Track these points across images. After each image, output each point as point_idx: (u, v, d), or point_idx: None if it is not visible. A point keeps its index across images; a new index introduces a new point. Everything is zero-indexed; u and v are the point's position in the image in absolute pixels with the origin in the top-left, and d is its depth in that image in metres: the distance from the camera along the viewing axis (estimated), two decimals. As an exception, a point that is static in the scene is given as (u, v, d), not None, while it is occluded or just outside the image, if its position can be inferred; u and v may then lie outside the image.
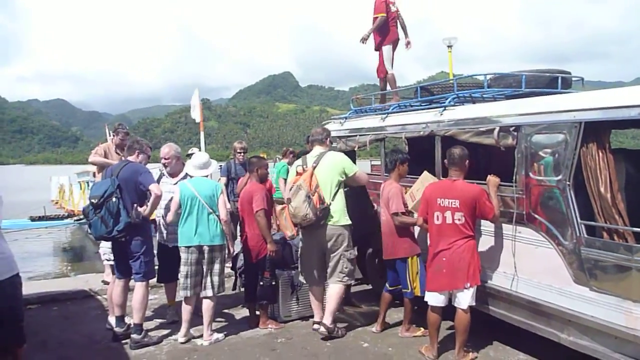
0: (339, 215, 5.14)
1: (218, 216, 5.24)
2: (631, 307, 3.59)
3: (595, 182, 3.82)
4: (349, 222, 5.20)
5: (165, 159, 5.77)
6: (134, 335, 5.13)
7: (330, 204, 5.09)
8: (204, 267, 5.23)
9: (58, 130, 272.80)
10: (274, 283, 5.51)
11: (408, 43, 7.71)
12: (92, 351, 5.09)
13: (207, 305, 5.25)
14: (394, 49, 7.58)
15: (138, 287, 5.20)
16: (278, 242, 5.65)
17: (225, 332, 5.45)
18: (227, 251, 5.42)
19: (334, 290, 5.25)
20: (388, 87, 7.59)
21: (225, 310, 6.26)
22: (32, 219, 19.51)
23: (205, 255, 5.20)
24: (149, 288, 5.41)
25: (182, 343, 5.20)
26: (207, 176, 5.58)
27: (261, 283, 5.47)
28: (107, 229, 4.94)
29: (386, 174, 5.76)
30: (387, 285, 5.43)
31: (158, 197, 5.08)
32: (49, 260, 16.31)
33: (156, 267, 5.60)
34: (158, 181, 5.62)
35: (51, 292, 6.90)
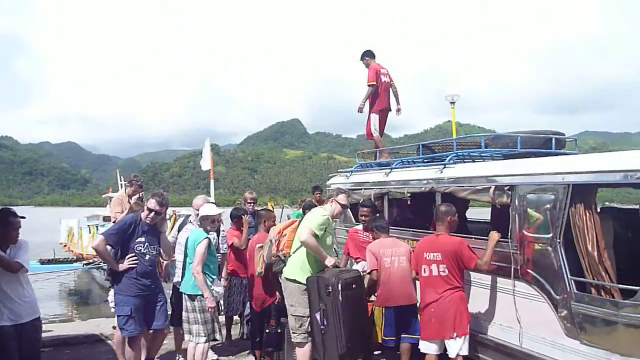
0: (291, 269, 5.19)
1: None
2: (619, 361, 3.80)
3: (583, 240, 4.08)
4: (300, 279, 5.11)
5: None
6: None
7: (289, 255, 5.30)
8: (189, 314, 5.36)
9: (67, 173, 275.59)
10: (279, 331, 5.71)
11: (398, 110, 8.40)
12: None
13: (190, 351, 5.34)
14: (381, 117, 8.18)
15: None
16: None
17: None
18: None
19: (298, 351, 5.23)
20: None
21: (233, 357, 6.43)
22: (42, 262, 19.74)
23: (186, 304, 5.37)
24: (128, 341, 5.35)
25: None
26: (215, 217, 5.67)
27: (267, 330, 5.67)
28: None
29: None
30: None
31: (93, 248, 5.34)
32: (57, 303, 16.50)
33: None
34: (181, 227, 6.03)
35: (63, 336, 7.14)
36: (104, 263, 4.95)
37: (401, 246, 5.52)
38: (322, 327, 4.87)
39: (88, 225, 23.81)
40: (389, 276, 5.33)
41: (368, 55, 8.33)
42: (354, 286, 4.97)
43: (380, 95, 8.10)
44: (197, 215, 5.76)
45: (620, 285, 3.90)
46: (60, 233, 27.72)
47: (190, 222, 6.14)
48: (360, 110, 8.15)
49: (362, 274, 5.37)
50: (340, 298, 4.80)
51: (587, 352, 4.01)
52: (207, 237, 5.32)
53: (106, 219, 24.38)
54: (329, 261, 5.05)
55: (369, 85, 8.05)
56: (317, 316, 4.90)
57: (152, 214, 5.17)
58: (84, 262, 19.01)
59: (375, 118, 8.16)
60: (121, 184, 29.22)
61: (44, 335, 6.75)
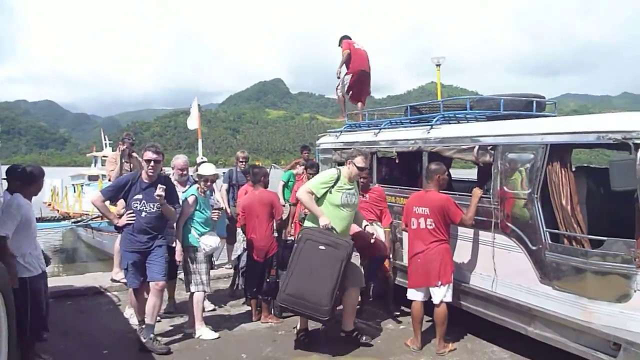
0: (305, 224, 5.59)
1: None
2: (586, 304, 4.23)
3: (558, 196, 4.45)
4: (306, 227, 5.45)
5: (181, 169, 6.32)
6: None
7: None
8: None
9: (46, 132, 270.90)
10: (278, 280, 6.07)
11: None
12: (111, 338, 5.62)
13: (189, 301, 5.78)
14: (356, 78, 8.72)
15: None
16: (278, 246, 6.26)
17: (224, 325, 6.05)
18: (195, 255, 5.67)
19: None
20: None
21: (230, 306, 6.82)
22: (28, 221, 19.84)
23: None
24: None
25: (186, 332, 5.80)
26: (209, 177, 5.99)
27: (267, 280, 6.03)
28: None
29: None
30: None
31: (92, 202, 5.65)
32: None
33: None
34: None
35: (64, 288, 7.42)
36: (102, 219, 5.21)
37: None
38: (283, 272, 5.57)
39: (73, 185, 23.85)
40: None
41: (344, 38, 8.95)
42: (321, 247, 5.09)
43: (353, 58, 8.60)
44: (180, 175, 6.24)
45: (590, 236, 4.30)
46: (44, 192, 27.71)
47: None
48: (338, 75, 8.72)
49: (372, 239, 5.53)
50: (299, 251, 5.17)
51: (559, 297, 4.43)
52: (192, 194, 5.60)
53: (91, 178, 24.46)
54: (322, 220, 5.16)
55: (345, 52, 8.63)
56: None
57: (152, 163, 5.32)
58: (72, 220, 19.14)
59: (347, 78, 8.68)
60: (105, 143, 29.14)
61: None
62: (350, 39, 8.88)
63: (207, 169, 5.84)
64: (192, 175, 6.55)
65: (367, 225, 5.61)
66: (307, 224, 5.43)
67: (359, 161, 5.29)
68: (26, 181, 4.64)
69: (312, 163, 7.75)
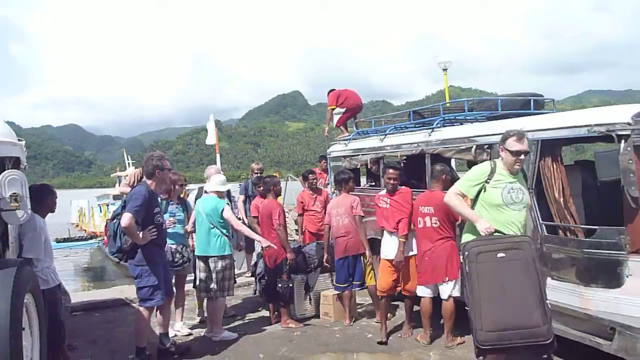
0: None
1: (221, 230, 5.95)
2: (583, 291, 4.39)
3: (551, 189, 4.63)
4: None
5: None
6: (132, 357, 5.36)
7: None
8: (210, 274, 5.99)
9: (72, 155, 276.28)
10: (290, 285, 6.34)
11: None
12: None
13: (211, 306, 6.06)
14: (350, 114, 9.44)
15: (137, 312, 5.40)
16: (294, 250, 6.52)
17: (244, 328, 6.34)
18: (229, 261, 6.04)
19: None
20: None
21: (249, 311, 7.13)
22: (58, 241, 20.50)
23: (210, 264, 5.98)
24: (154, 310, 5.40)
25: (205, 336, 6.13)
26: (223, 192, 6.38)
27: (279, 285, 6.29)
28: (111, 249, 5.25)
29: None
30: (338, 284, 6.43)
31: (125, 228, 4.91)
32: (74, 280, 17.29)
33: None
34: (198, 197, 6.58)
35: (93, 301, 7.80)
36: (129, 240, 5.10)
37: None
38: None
39: (99, 205, 24.55)
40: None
41: (330, 91, 9.59)
42: (500, 255, 3.99)
43: (346, 95, 9.30)
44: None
45: (582, 226, 4.48)
46: (71, 214, 28.49)
47: (206, 192, 6.62)
48: (325, 133, 9.64)
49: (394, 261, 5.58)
50: (474, 272, 4.02)
51: (557, 286, 4.59)
52: (227, 203, 6.09)
53: (116, 197, 25.11)
54: (481, 225, 4.17)
55: (328, 109, 9.47)
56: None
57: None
58: (99, 239, 19.72)
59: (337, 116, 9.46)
60: (128, 163, 29.90)
61: (75, 300, 7.46)
62: (335, 90, 9.52)
63: (221, 187, 6.29)
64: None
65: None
66: (465, 237, 4.39)
67: (512, 144, 4.21)
68: (36, 200, 4.64)
69: (310, 170, 7.99)
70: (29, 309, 3.79)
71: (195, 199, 6.74)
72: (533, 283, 3.91)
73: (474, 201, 4.35)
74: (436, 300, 5.48)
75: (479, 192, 4.30)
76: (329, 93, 9.60)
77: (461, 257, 4.21)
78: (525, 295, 3.89)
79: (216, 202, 6.04)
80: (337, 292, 6.42)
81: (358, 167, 7.64)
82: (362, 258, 6.28)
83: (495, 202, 4.23)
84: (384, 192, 5.90)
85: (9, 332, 3.18)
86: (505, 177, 4.26)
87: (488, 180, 4.28)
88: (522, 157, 4.22)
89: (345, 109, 9.29)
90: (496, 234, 4.14)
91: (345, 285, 6.32)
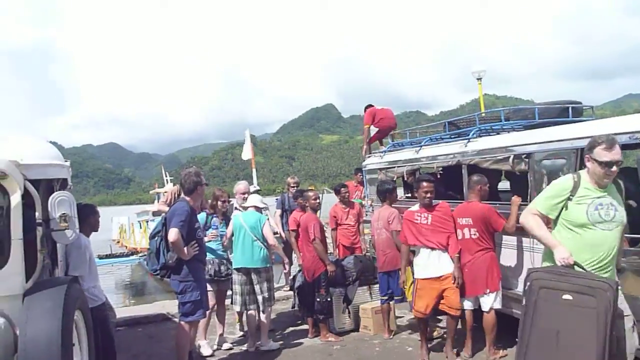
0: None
1: (263, 243, 6.09)
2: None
3: (593, 198, 4.53)
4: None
5: (242, 194, 6.69)
6: None
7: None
8: (254, 286, 6.10)
9: (112, 173, 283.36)
10: (329, 299, 6.35)
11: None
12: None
13: (262, 317, 6.14)
14: (382, 134, 9.63)
15: (178, 327, 5.39)
16: (334, 263, 6.54)
17: (282, 342, 6.39)
18: (271, 273, 6.24)
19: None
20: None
21: (288, 325, 7.17)
22: (100, 257, 20.98)
23: (253, 276, 6.09)
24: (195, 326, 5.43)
25: (248, 350, 6.18)
26: (261, 208, 6.43)
27: (318, 299, 6.31)
28: (152, 265, 5.24)
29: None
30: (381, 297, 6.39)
31: (173, 244, 4.92)
32: (116, 295, 17.65)
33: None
34: (230, 214, 6.57)
35: (135, 316, 7.96)
36: (174, 256, 5.13)
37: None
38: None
39: (139, 221, 25.02)
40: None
41: (367, 107, 9.79)
42: (565, 297, 3.39)
43: (380, 116, 9.43)
44: (243, 199, 6.53)
45: (626, 235, 4.36)
46: (112, 231, 29.10)
47: (235, 208, 6.70)
48: (366, 152, 9.42)
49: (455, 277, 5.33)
50: (530, 308, 3.53)
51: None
52: (267, 218, 6.19)
53: (155, 214, 25.57)
54: (558, 253, 3.55)
55: (365, 127, 9.64)
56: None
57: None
58: (139, 254, 20.10)
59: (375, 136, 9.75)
60: (166, 179, 30.46)
61: (118, 316, 7.62)
62: (373, 107, 9.71)
63: (258, 202, 6.40)
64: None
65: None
66: (544, 263, 3.86)
67: (601, 153, 3.53)
68: (80, 219, 4.66)
69: (342, 184, 7.97)
70: (78, 326, 3.92)
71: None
72: (598, 340, 3.21)
73: (555, 221, 3.77)
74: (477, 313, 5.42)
75: (561, 210, 3.70)
76: (366, 109, 9.70)
77: (524, 285, 3.72)
78: (581, 352, 3.27)
79: (258, 216, 6.21)
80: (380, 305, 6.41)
81: (394, 179, 7.62)
82: (400, 273, 6.18)
83: (579, 221, 3.59)
84: (416, 207, 5.64)
85: (61, 348, 3.30)
86: (592, 191, 3.63)
87: (571, 197, 3.66)
88: (614, 168, 3.54)
89: (378, 129, 9.52)
90: (577, 267, 3.49)
91: (385, 298, 6.30)
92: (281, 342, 6.39)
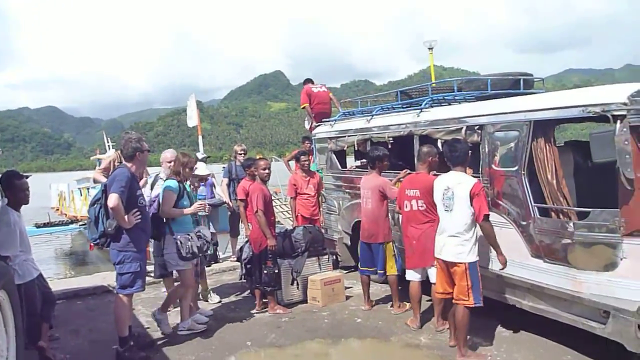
0: None
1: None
2: (576, 274, 4.34)
3: (544, 171, 4.55)
4: None
5: (169, 162, 6.10)
6: (116, 347, 5.11)
7: None
8: None
9: (50, 138, 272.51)
10: (276, 271, 6.21)
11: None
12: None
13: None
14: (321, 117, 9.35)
15: (116, 299, 5.19)
16: (278, 235, 6.37)
17: (231, 314, 6.22)
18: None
19: None
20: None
21: (235, 297, 6.99)
22: (37, 226, 20.12)
23: None
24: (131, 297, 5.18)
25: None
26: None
27: (265, 271, 6.16)
28: (92, 235, 4.99)
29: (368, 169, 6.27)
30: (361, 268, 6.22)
31: (112, 209, 4.69)
32: (55, 265, 17.03)
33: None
34: (153, 184, 6.14)
35: (74, 289, 7.60)
36: (113, 224, 4.86)
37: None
38: None
39: (79, 188, 24.07)
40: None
41: (305, 82, 10.05)
42: None
43: (314, 100, 9.70)
44: (168, 167, 5.98)
45: (576, 208, 4.40)
46: (51, 198, 27.95)
47: (160, 178, 6.20)
48: (311, 130, 9.44)
49: None
50: None
51: (549, 269, 4.54)
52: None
53: (96, 180, 24.62)
54: None
55: (302, 108, 9.90)
56: None
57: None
58: (80, 223, 19.38)
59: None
60: (108, 145, 29.34)
61: (56, 289, 7.25)
62: (311, 83, 9.94)
63: (202, 170, 6.28)
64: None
65: None
66: None
67: None
68: (8, 192, 4.52)
69: (303, 151, 7.83)
70: (3, 307, 3.60)
71: (152, 187, 6.20)
72: None
73: None
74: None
75: None
76: (304, 83, 9.87)
77: None
78: None
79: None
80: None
81: (345, 148, 7.49)
82: (383, 246, 5.96)
83: None
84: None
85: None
86: None
87: None
88: None
89: (314, 114, 9.63)
90: None
91: (366, 269, 6.13)
92: (227, 315, 6.23)
